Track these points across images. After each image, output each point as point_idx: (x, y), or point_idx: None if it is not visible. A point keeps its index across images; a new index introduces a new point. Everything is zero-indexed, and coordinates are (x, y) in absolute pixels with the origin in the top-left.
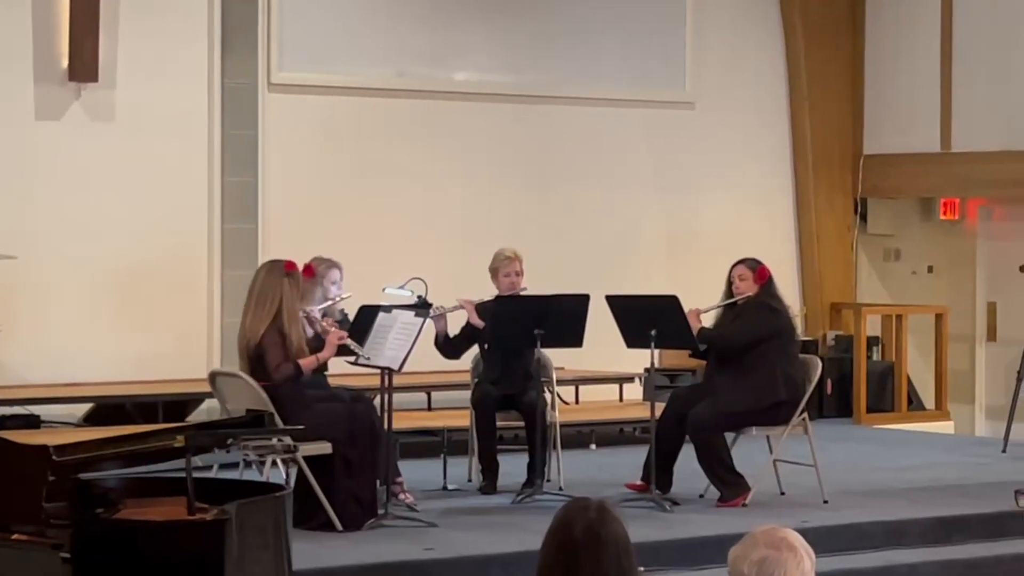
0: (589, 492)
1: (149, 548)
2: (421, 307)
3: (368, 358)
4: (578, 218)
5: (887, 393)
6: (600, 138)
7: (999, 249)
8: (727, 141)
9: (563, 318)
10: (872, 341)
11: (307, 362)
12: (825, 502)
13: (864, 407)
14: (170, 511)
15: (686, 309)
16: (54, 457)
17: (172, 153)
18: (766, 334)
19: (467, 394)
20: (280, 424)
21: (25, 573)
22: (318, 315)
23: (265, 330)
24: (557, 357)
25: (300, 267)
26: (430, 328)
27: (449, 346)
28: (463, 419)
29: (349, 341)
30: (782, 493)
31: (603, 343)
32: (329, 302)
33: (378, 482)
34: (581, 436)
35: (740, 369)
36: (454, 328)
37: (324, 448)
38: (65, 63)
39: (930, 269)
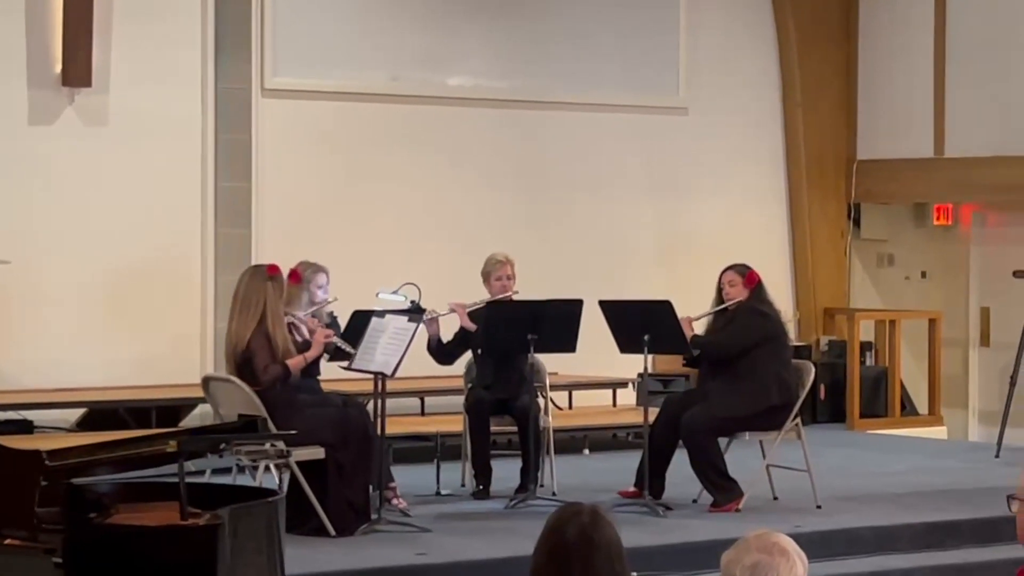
0: (582, 497)
1: (142, 553)
2: (414, 312)
3: (359, 358)
4: (572, 223)
5: (880, 398)
6: (594, 143)
7: (992, 254)
8: (721, 146)
9: (556, 323)
10: (865, 346)
11: (294, 362)
12: (818, 507)
13: (857, 412)
14: (163, 516)
15: (679, 315)
16: (47, 462)
17: (166, 158)
18: (757, 339)
19: (460, 399)
20: (273, 429)
21: None
22: (303, 318)
23: (251, 334)
24: (550, 362)
25: (287, 272)
26: (423, 333)
27: (442, 351)
28: (456, 424)
29: (336, 339)
30: (775, 498)
31: (596, 348)
32: (316, 306)
33: (371, 487)
34: (574, 441)
35: (732, 374)
36: (447, 334)
37: (317, 453)
38: (58, 68)
39: (923, 274)
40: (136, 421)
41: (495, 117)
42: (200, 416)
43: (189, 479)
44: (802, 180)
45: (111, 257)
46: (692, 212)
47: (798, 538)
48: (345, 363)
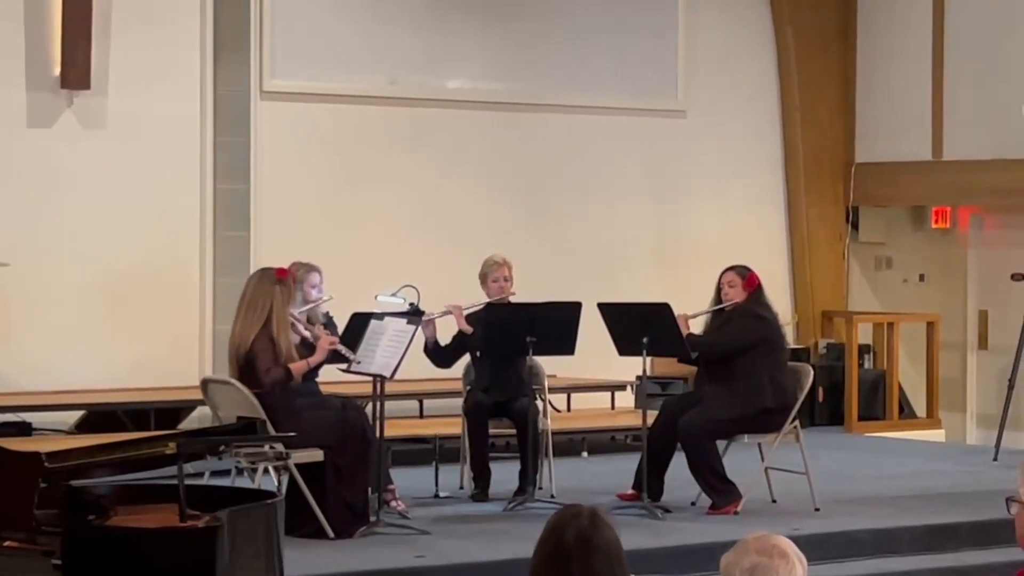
0: (581, 499)
1: (140, 555)
2: (413, 314)
3: (360, 363)
4: (569, 225)
5: (878, 401)
6: (592, 146)
7: (990, 257)
8: (719, 149)
9: (555, 326)
10: (863, 349)
11: (297, 366)
12: (816, 510)
13: (855, 415)
14: (162, 518)
15: (677, 316)
16: (46, 464)
17: (164, 160)
18: (753, 342)
19: (459, 401)
20: (272, 431)
21: None
22: (299, 316)
23: (255, 336)
24: (549, 365)
25: None
26: (421, 336)
27: (439, 354)
28: (455, 427)
29: (341, 347)
30: (773, 501)
31: (595, 351)
32: (310, 305)
33: (370, 489)
34: (573, 444)
35: (729, 377)
36: (446, 336)
37: (316, 455)
38: (57, 71)
39: (921, 277)
40: (135, 423)
41: (493, 119)
42: (199, 418)
43: (188, 481)
44: (800, 183)
45: (110, 259)
46: (690, 214)
47: (796, 541)
48: (344, 365)
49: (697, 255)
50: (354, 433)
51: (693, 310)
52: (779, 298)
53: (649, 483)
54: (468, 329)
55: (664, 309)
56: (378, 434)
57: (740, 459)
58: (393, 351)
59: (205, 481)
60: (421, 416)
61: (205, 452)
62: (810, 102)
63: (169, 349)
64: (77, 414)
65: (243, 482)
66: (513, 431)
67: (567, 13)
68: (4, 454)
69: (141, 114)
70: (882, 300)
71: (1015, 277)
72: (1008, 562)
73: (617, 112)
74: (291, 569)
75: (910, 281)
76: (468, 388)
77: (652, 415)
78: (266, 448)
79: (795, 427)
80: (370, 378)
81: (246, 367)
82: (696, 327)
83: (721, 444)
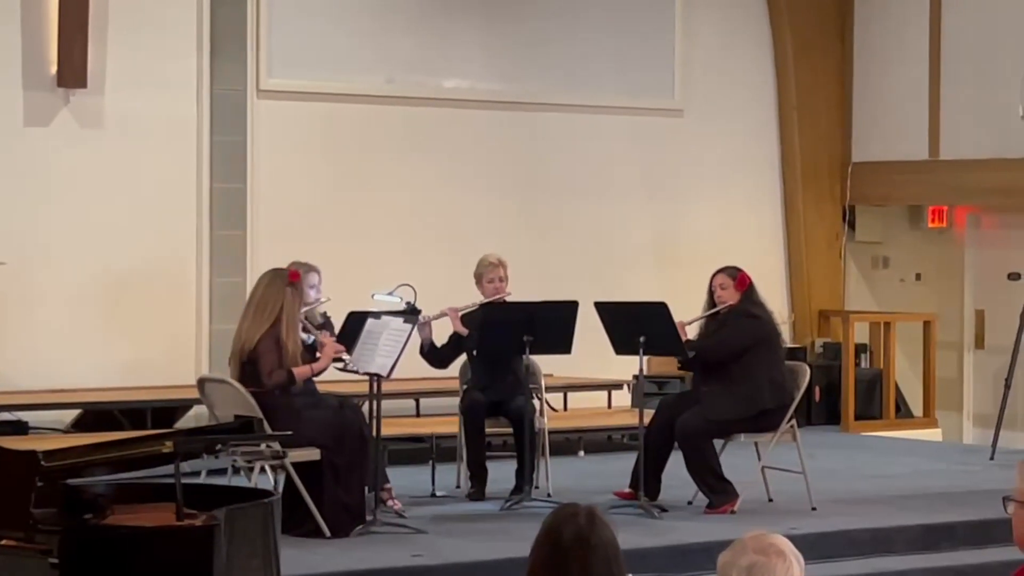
0: (578, 499)
1: (137, 554)
2: (410, 313)
3: (354, 358)
4: (567, 225)
5: (875, 400)
6: (589, 145)
7: (987, 257)
8: (716, 149)
9: (552, 325)
10: (860, 348)
11: (301, 371)
12: (813, 509)
13: (852, 414)
14: (159, 517)
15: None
16: (43, 463)
17: (161, 159)
18: (749, 343)
19: (455, 401)
20: (268, 430)
21: None
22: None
23: (262, 336)
24: (546, 364)
25: None
26: (417, 336)
27: (435, 355)
28: (451, 426)
29: (347, 356)
30: (770, 500)
31: (592, 350)
32: (309, 306)
33: (366, 488)
34: (569, 443)
35: (726, 378)
36: (442, 337)
37: (312, 454)
38: (54, 69)
39: (918, 277)
40: (131, 422)
41: (490, 119)
42: (195, 417)
43: (185, 480)
44: (797, 182)
45: (106, 258)
46: (687, 214)
47: (793, 540)
48: (340, 364)
49: (694, 254)
50: (351, 432)
51: (690, 308)
52: (775, 297)
53: (646, 482)
54: (464, 331)
55: (661, 308)
56: (375, 433)
57: (737, 458)
58: (390, 350)
59: (202, 480)
60: (418, 415)
61: (202, 451)
62: (807, 102)
63: (165, 348)
64: (73, 413)
65: (240, 481)
66: (510, 430)
67: (565, 13)
68: (1, 453)
69: (138, 113)
70: (879, 299)
71: (1012, 276)
72: (1005, 561)
73: (614, 112)
74: (288, 568)
75: (907, 280)
76: (465, 387)
77: (649, 414)
78: (263, 447)
79: (792, 426)
80: (367, 377)
81: (248, 366)
82: (691, 332)
83: (718, 443)
